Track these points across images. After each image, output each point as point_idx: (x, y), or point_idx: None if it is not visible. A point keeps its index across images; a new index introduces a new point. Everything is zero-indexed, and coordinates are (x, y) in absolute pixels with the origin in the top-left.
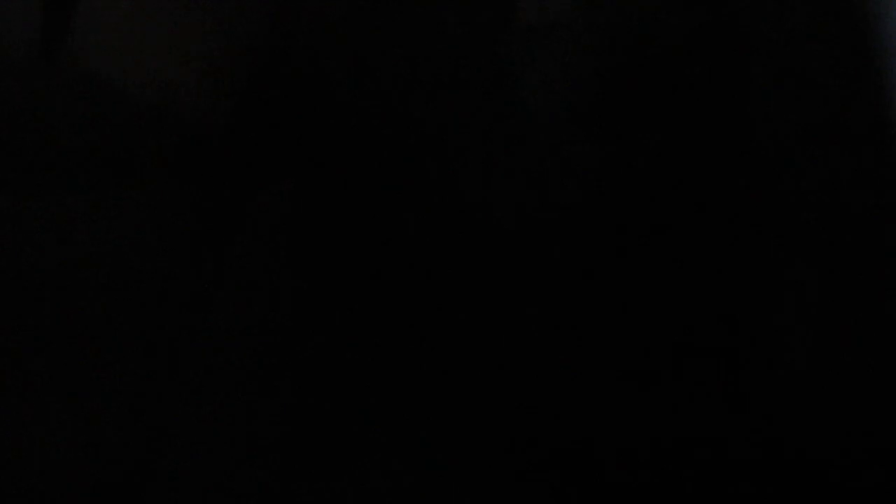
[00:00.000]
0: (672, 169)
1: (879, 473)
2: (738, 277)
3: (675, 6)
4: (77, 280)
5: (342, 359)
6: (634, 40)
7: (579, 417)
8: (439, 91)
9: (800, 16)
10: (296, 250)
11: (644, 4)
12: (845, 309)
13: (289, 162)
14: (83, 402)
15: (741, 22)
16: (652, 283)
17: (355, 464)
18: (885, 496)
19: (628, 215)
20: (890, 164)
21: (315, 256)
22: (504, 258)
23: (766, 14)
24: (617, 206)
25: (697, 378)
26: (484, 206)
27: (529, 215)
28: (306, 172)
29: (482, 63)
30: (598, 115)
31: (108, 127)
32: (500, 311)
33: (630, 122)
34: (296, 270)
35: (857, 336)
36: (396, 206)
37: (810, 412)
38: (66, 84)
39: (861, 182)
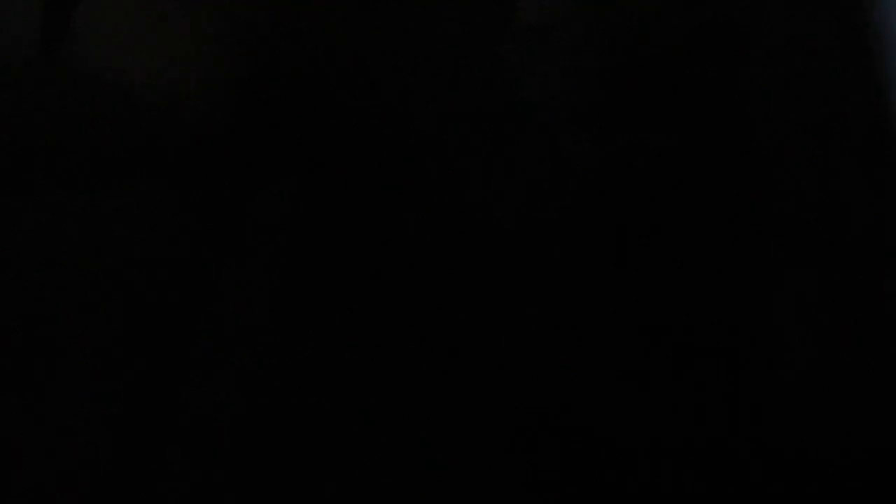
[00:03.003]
0: (672, 169)
1: (879, 473)
2: (738, 276)
3: (675, 6)
4: (76, 279)
5: (343, 359)
6: (634, 40)
7: (579, 417)
8: (439, 91)
9: (800, 16)
10: (296, 249)
11: (644, 4)
12: (845, 309)
13: (289, 161)
14: (82, 401)
15: (741, 22)
16: (652, 283)
17: (354, 464)
18: (885, 496)
19: (628, 215)
20: (890, 164)
21: (315, 255)
22: (504, 257)
23: (766, 14)
24: (617, 205)
25: (696, 377)
26: (484, 206)
27: (529, 214)
28: (307, 172)
29: (482, 63)
30: (598, 114)
31: (108, 127)
32: (500, 311)
33: (630, 122)
34: (296, 269)
35: (856, 336)
36: (396, 205)
37: (810, 411)
38: (66, 84)
39: (861, 182)
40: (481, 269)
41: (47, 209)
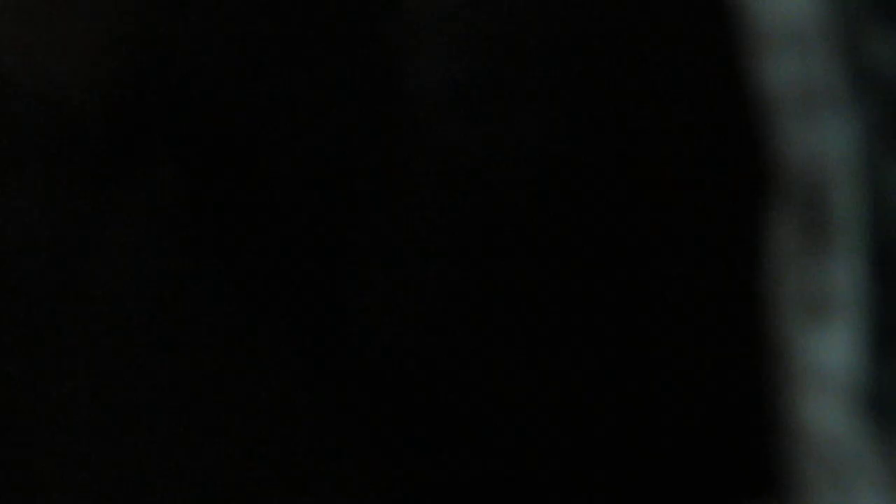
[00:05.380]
0: (670, 167)
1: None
2: (731, 274)
3: (671, 5)
4: None
5: (343, 359)
6: (631, 38)
7: (571, 413)
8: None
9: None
10: (179, 234)
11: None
12: None
13: (171, 154)
14: (81, 401)
15: (736, 19)
16: (649, 284)
17: (352, 463)
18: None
19: (624, 214)
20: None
21: (209, 243)
22: (496, 255)
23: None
24: (613, 204)
25: (686, 374)
26: (466, 203)
27: (517, 213)
28: (185, 161)
29: (367, 49)
30: (595, 113)
31: None
32: (491, 311)
33: (626, 120)
34: (186, 252)
35: None
36: (287, 201)
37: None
38: None
39: None
40: (476, 267)
41: None
